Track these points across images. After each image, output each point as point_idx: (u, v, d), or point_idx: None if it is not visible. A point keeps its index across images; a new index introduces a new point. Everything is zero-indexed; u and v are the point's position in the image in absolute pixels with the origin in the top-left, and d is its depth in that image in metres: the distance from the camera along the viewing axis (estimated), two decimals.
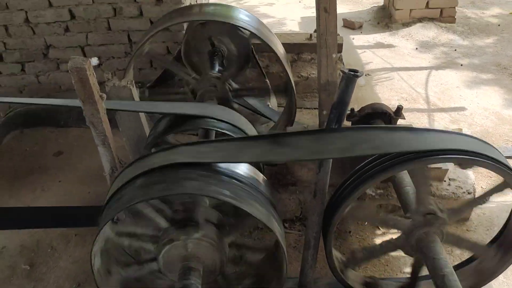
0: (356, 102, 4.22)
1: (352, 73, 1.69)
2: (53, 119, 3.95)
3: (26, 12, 3.82)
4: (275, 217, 1.78)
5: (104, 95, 1.91)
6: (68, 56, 4.03)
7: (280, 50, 3.08)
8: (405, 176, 2.16)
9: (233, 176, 1.73)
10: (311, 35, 4.31)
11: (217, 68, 3.28)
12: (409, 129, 1.76)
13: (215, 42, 3.49)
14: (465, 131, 3.55)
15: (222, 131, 2.23)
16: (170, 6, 3.85)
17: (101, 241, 1.81)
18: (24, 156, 3.61)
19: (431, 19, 5.64)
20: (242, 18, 3.03)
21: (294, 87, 3.00)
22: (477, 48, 5.19)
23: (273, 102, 3.90)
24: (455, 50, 5.15)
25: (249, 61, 3.68)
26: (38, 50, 4.03)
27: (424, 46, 5.27)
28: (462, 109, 4.09)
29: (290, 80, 2.99)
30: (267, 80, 3.82)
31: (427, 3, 5.58)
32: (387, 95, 4.31)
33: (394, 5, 5.73)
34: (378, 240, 2.76)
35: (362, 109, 2.69)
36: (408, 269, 2.44)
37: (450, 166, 2.84)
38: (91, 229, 2.88)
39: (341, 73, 1.72)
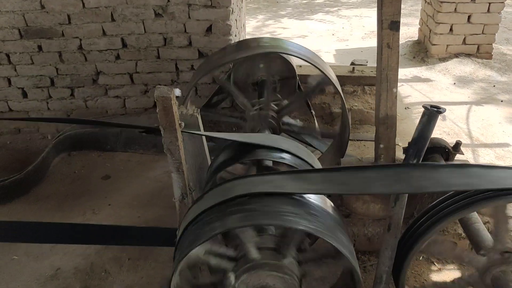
0: (398, 135, 4.23)
1: (435, 109, 1.72)
2: (100, 143, 4.04)
3: (80, 39, 3.96)
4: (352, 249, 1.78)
5: (183, 123, 1.96)
6: (117, 82, 4.19)
7: (335, 79, 3.12)
8: (473, 213, 2.15)
9: (318, 207, 1.74)
10: (353, 67, 4.37)
11: (269, 99, 3.34)
12: (498, 167, 1.76)
13: (268, 74, 3.58)
14: None
15: (289, 163, 2.25)
16: (219, 37, 3.97)
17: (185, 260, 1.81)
18: (73, 178, 3.68)
19: (468, 55, 5.68)
20: (299, 50, 3.11)
21: (349, 118, 3.02)
22: None
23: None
24: (494, 86, 5.16)
25: (294, 91, 3.75)
26: (89, 76, 4.15)
27: (462, 81, 5.30)
28: (506, 145, 4.07)
29: (346, 111, 3.01)
30: (312, 111, 3.87)
31: (464, 39, 5.63)
32: None
33: (430, 40, 5.79)
34: (434, 276, 2.72)
35: None
36: None
37: None
38: (143, 254, 2.93)
39: (424, 109, 1.75)
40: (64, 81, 4.16)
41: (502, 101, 4.83)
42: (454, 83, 5.26)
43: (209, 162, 2.60)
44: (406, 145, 2.67)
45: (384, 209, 2.80)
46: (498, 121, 4.45)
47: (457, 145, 2.64)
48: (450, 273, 2.74)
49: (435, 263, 2.78)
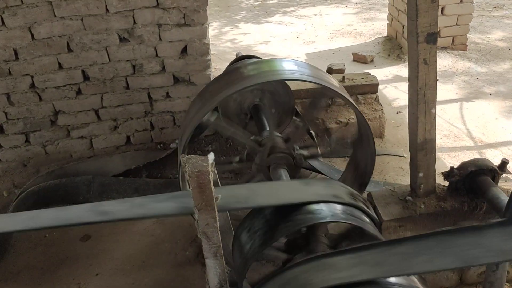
0: (399, 145, 3.94)
1: None
2: (71, 195, 3.43)
3: (32, 77, 3.35)
4: None
5: (219, 197, 1.49)
6: (81, 121, 3.60)
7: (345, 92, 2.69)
8: None
9: None
10: (343, 77, 4.01)
11: (270, 126, 2.90)
12: None
13: (263, 96, 3.15)
14: None
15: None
16: (196, 58, 3.49)
17: None
18: (45, 245, 3.07)
19: (444, 48, 5.50)
20: (301, 70, 2.67)
21: (372, 137, 2.57)
22: (497, 75, 5.05)
23: None
24: (477, 78, 5.00)
25: (292, 114, 3.35)
26: (46, 117, 3.54)
27: (444, 76, 5.10)
28: (511, 143, 3.87)
29: (365, 121, 2.54)
30: (312, 132, 3.47)
31: (439, 32, 5.44)
32: None
33: (404, 36, 5.57)
34: None
35: (463, 167, 2.37)
36: None
37: None
38: None
39: None
40: (16, 127, 3.52)
41: (490, 94, 4.66)
42: (437, 79, 5.04)
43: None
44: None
45: None
46: (494, 117, 4.25)
47: (504, 164, 2.33)
48: None
49: None
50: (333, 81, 2.76)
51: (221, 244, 1.55)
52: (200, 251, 2.92)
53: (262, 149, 2.58)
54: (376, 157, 3.77)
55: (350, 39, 6.49)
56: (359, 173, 2.82)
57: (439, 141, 3.94)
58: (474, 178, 2.32)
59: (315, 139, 3.46)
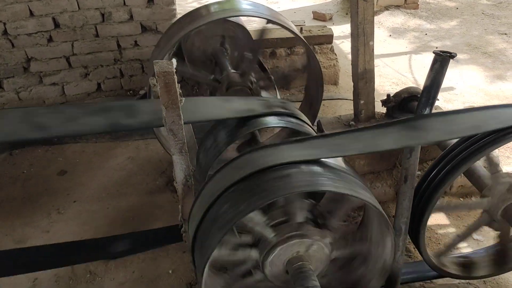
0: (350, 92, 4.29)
1: (447, 54, 1.70)
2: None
3: (4, 24, 3.50)
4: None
5: (183, 99, 1.78)
6: (53, 68, 3.80)
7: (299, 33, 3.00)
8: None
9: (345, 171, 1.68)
10: (301, 28, 4.30)
11: (229, 66, 3.18)
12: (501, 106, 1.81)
13: (224, 41, 3.41)
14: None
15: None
16: (162, 8, 3.71)
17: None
18: (24, 179, 3.30)
19: (397, 7, 5.87)
20: (256, 9, 2.95)
21: (322, 76, 2.93)
22: (444, 31, 5.46)
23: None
24: (426, 34, 5.39)
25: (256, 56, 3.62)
26: (18, 64, 3.71)
27: (396, 32, 5.47)
28: (451, 89, 4.29)
29: (318, 65, 2.88)
30: (271, 76, 3.77)
31: None
32: (378, 81, 4.36)
33: None
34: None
35: (397, 94, 2.73)
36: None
37: None
38: None
39: (435, 55, 1.73)
40: None
41: (436, 47, 5.06)
42: (390, 35, 5.41)
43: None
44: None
45: (369, 164, 2.83)
46: None
47: None
48: (436, 216, 2.85)
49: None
50: (291, 24, 3.07)
51: (185, 141, 1.85)
52: (169, 180, 3.22)
53: (220, 85, 2.87)
54: (331, 100, 4.16)
55: None
56: (312, 110, 3.18)
57: (388, 88, 4.33)
58: (406, 103, 2.69)
59: (274, 83, 3.75)
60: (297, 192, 1.55)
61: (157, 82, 1.67)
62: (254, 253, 1.73)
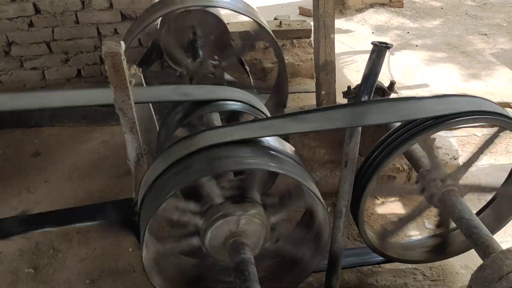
0: None
1: (383, 45, 1.79)
2: (23, 119, 3.74)
3: None
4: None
5: (133, 80, 1.87)
6: (33, 52, 3.88)
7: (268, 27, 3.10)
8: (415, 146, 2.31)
9: (276, 149, 1.77)
10: (280, 22, 4.38)
11: (200, 56, 3.27)
12: (436, 96, 1.90)
13: (196, 31, 3.49)
14: None
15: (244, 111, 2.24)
16: None
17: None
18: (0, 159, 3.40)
19: (382, 5, 5.94)
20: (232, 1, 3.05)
21: (286, 68, 3.04)
22: (427, 30, 5.54)
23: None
24: (408, 32, 5.47)
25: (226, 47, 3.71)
26: None
27: (379, 30, 5.55)
28: (425, 85, 4.37)
29: (283, 62, 3.02)
30: (247, 67, 3.85)
31: None
32: (356, 76, 4.50)
33: None
34: (378, 209, 2.92)
35: (358, 86, 2.81)
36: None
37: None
38: (92, 226, 2.80)
39: (372, 46, 1.82)
40: None
41: (416, 46, 5.14)
42: (373, 32, 5.49)
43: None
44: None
45: (329, 153, 2.91)
46: (416, 64, 4.74)
47: (392, 85, 2.79)
48: (392, 205, 2.95)
49: (378, 198, 2.97)
50: (264, 21, 3.18)
51: (136, 121, 1.94)
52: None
53: (183, 78, 2.99)
54: (306, 93, 4.24)
55: None
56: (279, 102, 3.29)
57: None
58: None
59: (249, 74, 3.84)
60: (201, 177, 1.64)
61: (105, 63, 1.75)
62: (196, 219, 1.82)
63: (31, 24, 3.76)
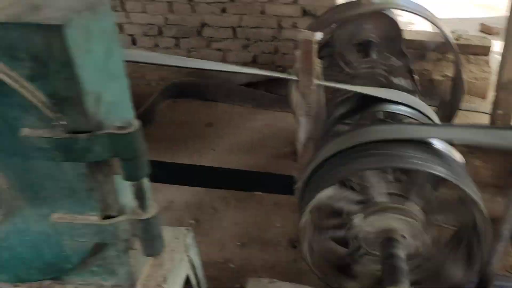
0: None
1: None
2: (202, 93, 4.23)
3: None
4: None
5: (318, 68, 2.05)
6: (220, 35, 4.33)
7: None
8: None
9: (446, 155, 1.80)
10: (459, 35, 4.23)
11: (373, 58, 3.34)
12: None
13: (372, 33, 3.56)
14: None
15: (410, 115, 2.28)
16: None
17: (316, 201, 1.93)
18: (179, 124, 3.91)
19: None
20: (413, 6, 3.07)
21: (464, 84, 2.96)
22: None
23: None
24: None
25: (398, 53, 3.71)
26: (194, 27, 4.32)
27: None
28: None
29: (462, 76, 2.94)
30: (415, 76, 3.82)
31: None
32: None
33: None
34: None
35: None
36: None
37: None
38: (248, 196, 3.11)
39: None
40: (171, 31, 4.38)
41: None
42: None
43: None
44: None
45: (494, 177, 2.79)
46: None
47: None
48: None
49: None
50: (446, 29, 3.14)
51: (314, 106, 2.12)
52: (296, 150, 3.54)
53: (365, 70, 3.09)
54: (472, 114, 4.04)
55: (484, 10, 6.43)
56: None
57: None
58: None
59: (417, 84, 3.79)
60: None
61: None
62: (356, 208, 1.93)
63: (223, 10, 4.21)
